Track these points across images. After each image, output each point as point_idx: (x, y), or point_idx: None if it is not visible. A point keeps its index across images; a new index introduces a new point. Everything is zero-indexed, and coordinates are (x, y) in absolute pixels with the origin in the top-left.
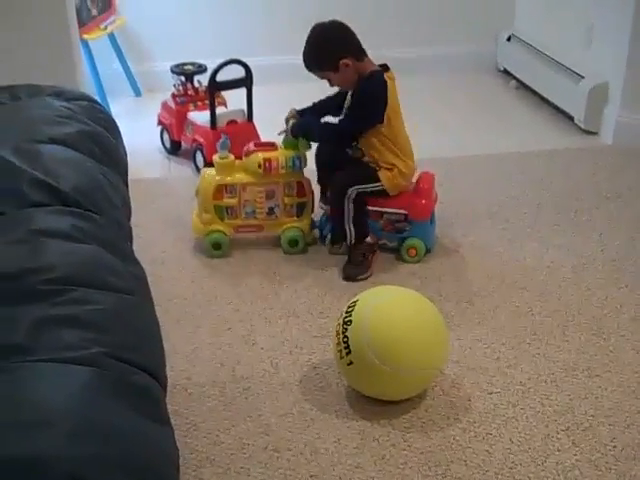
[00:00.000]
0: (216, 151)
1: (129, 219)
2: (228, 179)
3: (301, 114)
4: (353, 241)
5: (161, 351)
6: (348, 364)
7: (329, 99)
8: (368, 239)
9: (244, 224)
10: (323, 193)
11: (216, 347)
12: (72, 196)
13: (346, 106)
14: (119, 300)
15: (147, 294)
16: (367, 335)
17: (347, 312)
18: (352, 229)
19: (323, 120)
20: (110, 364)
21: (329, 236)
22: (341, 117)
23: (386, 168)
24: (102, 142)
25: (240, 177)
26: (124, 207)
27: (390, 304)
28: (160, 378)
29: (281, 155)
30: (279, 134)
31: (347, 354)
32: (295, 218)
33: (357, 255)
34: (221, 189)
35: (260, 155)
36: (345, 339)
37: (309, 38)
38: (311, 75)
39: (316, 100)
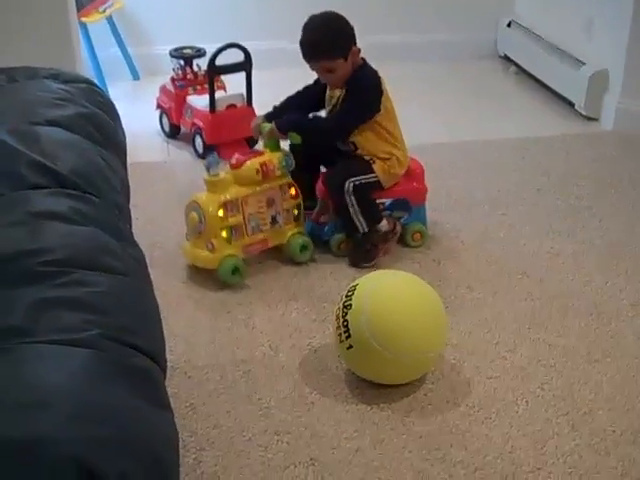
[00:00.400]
0: (206, 157)
1: (128, 202)
2: (229, 196)
3: (269, 118)
4: (366, 230)
5: (161, 334)
6: (348, 348)
7: (297, 98)
8: (384, 224)
9: (251, 242)
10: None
11: (215, 330)
12: (70, 178)
13: (339, 99)
14: (118, 282)
15: (146, 276)
16: (367, 319)
17: (347, 296)
18: (362, 220)
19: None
20: (109, 346)
21: (335, 236)
22: (330, 110)
23: (382, 159)
24: (100, 124)
25: (239, 191)
26: (123, 190)
27: (390, 288)
28: (160, 361)
29: (273, 157)
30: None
31: (347, 338)
32: (295, 223)
33: (366, 244)
34: (225, 209)
35: (255, 161)
36: (345, 323)
37: (319, 25)
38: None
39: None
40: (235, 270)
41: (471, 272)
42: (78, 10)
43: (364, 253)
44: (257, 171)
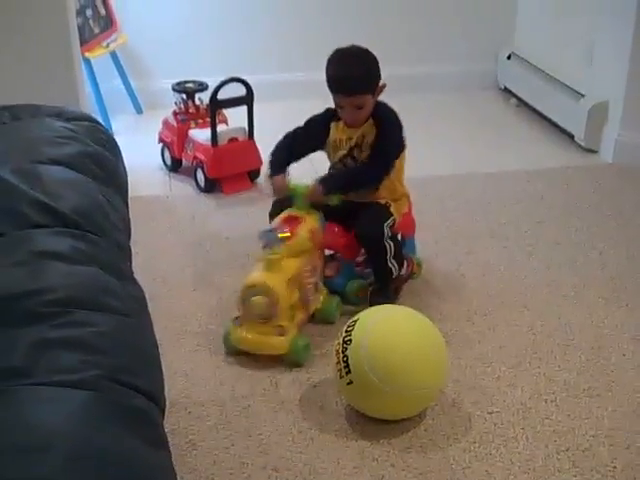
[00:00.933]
0: (267, 240)
1: (129, 239)
2: (290, 273)
3: (275, 172)
4: (399, 273)
5: (160, 373)
6: (348, 383)
7: (292, 145)
8: (404, 269)
9: (306, 315)
10: None
11: (215, 365)
12: (72, 217)
13: (363, 139)
14: (118, 322)
15: (146, 315)
16: (367, 354)
17: (347, 331)
18: (395, 264)
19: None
20: (109, 387)
21: (350, 286)
22: (349, 153)
23: (396, 200)
24: (103, 163)
25: (295, 264)
26: (124, 228)
27: (389, 323)
28: (159, 401)
29: (314, 220)
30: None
31: (347, 373)
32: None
33: (392, 285)
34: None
35: (304, 228)
36: (345, 358)
37: (355, 59)
38: (311, 92)
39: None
40: (307, 347)
41: (472, 306)
42: (81, 45)
43: (391, 296)
44: (309, 240)
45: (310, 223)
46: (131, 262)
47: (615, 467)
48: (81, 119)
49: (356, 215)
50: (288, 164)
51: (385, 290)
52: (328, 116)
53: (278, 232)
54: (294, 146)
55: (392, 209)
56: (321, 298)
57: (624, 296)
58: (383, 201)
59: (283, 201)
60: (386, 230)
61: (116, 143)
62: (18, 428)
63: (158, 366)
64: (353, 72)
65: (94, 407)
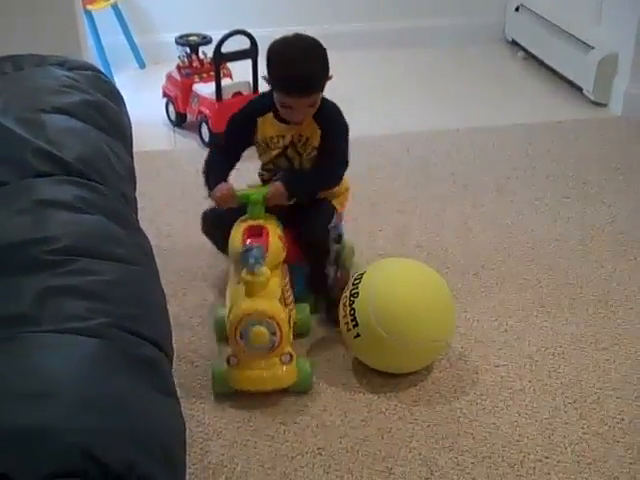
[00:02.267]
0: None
1: (134, 190)
2: (278, 291)
3: (211, 185)
4: (332, 277)
5: (167, 322)
6: (355, 337)
7: (225, 151)
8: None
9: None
10: None
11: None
12: (76, 166)
13: (307, 139)
14: (124, 270)
15: (152, 265)
16: (374, 307)
17: (354, 284)
18: (331, 270)
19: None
20: (116, 335)
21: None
22: (282, 152)
23: (339, 194)
24: (106, 112)
25: (279, 280)
26: (129, 178)
27: (397, 276)
28: (166, 349)
29: (276, 226)
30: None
31: (354, 327)
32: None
33: (339, 294)
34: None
35: (274, 237)
36: (352, 312)
37: (310, 54)
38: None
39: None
40: (312, 370)
41: (479, 259)
42: None
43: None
44: (283, 249)
45: (275, 230)
46: (137, 212)
47: (622, 419)
48: (84, 69)
49: (298, 216)
50: (227, 172)
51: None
52: (253, 111)
53: (261, 248)
54: (225, 153)
55: (336, 203)
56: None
57: (632, 250)
58: (325, 197)
59: (215, 215)
60: (331, 231)
61: (119, 93)
62: (25, 374)
63: (165, 315)
64: (308, 69)
65: (101, 354)
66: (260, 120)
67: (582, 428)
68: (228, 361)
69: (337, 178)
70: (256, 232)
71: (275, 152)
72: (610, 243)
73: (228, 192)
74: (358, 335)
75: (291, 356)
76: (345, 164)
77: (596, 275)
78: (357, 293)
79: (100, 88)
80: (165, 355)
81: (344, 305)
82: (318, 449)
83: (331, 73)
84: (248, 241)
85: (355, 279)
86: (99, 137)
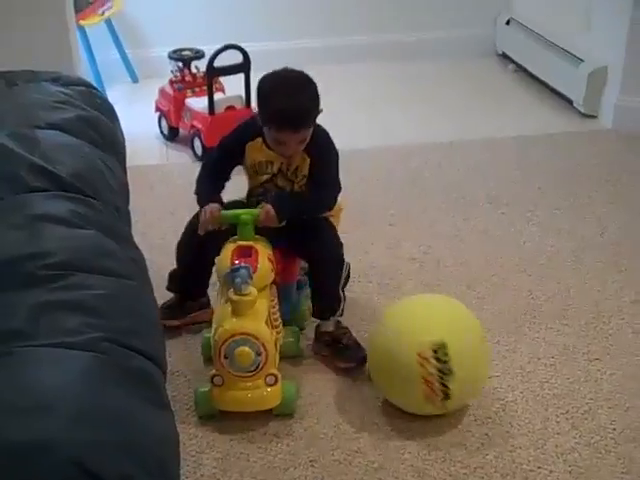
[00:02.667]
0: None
1: (127, 204)
2: (265, 311)
3: (205, 201)
4: (343, 304)
5: (161, 336)
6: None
7: (217, 176)
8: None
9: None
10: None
11: None
12: (70, 181)
13: (300, 172)
14: (118, 285)
15: (146, 279)
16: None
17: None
18: (343, 295)
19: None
20: (110, 349)
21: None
22: (272, 179)
23: (332, 215)
24: (100, 127)
25: (266, 301)
26: (122, 192)
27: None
28: (160, 363)
29: (265, 247)
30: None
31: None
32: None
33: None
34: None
35: (264, 258)
36: (445, 389)
37: (302, 88)
38: (308, 59)
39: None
40: (297, 392)
41: (471, 271)
42: (76, 13)
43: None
44: (272, 270)
45: (264, 251)
46: (130, 226)
47: (614, 429)
48: (77, 84)
49: (292, 235)
50: (218, 192)
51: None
52: (242, 136)
53: (248, 268)
54: (215, 174)
55: (335, 222)
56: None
57: (623, 261)
58: (322, 219)
59: (192, 242)
60: (343, 255)
61: (113, 108)
62: (20, 389)
63: (159, 329)
64: (300, 105)
65: (96, 368)
66: (249, 145)
67: (574, 438)
68: (212, 380)
69: (329, 204)
70: (245, 252)
71: (264, 178)
72: (601, 254)
73: (217, 213)
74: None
75: (276, 378)
76: (337, 190)
77: (588, 286)
78: (450, 371)
79: (93, 103)
80: (159, 368)
81: (428, 382)
82: (311, 461)
83: (321, 106)
84: (237, 261)
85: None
86: (93, 152)
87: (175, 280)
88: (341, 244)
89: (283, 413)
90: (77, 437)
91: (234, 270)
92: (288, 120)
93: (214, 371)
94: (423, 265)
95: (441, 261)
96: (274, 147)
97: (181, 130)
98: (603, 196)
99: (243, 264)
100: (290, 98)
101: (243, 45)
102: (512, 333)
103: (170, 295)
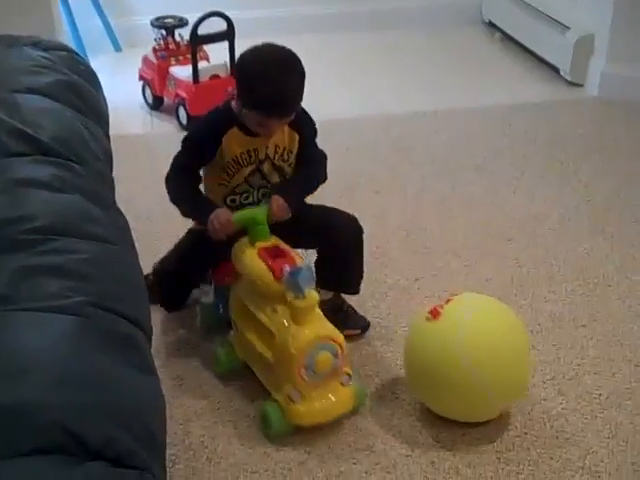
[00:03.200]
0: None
1: (111, 170)
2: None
3: (207, 210)
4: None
5: (145, 301)
6: None
7: (193, 176)
8: None
9: None
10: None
11: None
12: (52, 146)
13: (288, 151)
14: (102, 249)
15: (130, 244)
16: None
17: None
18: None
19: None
20: (94, 313)
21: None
22: (260, 164)
23: None
24: (82, 92)
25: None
26: (105, 158)
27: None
28: (145, 327)
29: (286, 246)
30: None
31: None
32: None
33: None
34: None
35: (299, 257)
36: None
37: (291, 69)
38: (293, 28)
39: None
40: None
41: (458, 239)
42: None
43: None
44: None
45: (291, 250)
46: (114, 192)
47: (600, 394)
48: (59, 49)
49: (304, 225)
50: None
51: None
52: (216, 128)
53: (309, 269)
54: (192, 176)
55: None
56: None
57: (608, 228)
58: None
59: (195, 251)
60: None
61: (94, 74)
62: (3, 353)
63: (144, 294)
64: (290, 91)
65: (79, 332)
66: (226, 137)
67: (561, 404)
68: (290, 398)
69: (325, 175)
70: (276, 253)
71: (249, 169)
72: (587, 221)
73: (228, 216)
74: None
75: (349, 376)
76: (326, 158)
77: (574, 253)
78: None
79: (75, 69)
80: (143, 333)
81: None
82: (299, 428)
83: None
84: (286, 265)
85: None
86: (75, 117)
87: (160, 292)
88: (355, 217)
89: (357, 408)
90: (60, 400)
91: (294, 273)
92: (277, 107)
93: (289, 388)
94: (409, 234)
95: (427, 229)
96: (254, 128)
97: (165, 99)
98: (589, 164)
99: (302, 265)
100: (279, 84)
101: (227, 13)
102: (499, 300)
103: None
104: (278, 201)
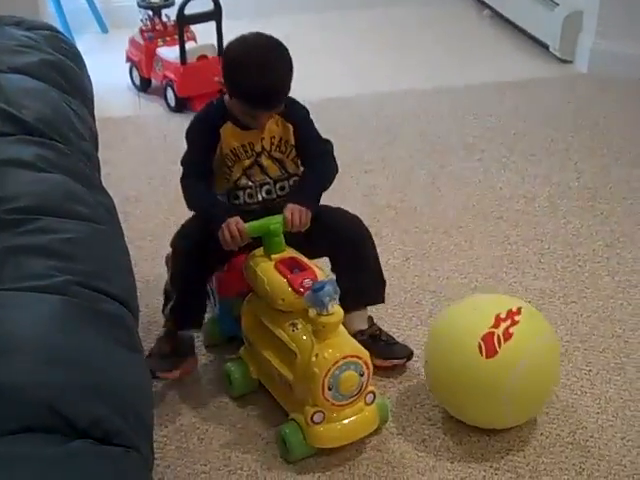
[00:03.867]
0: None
1: (96, 150)
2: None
3: (221, 218)
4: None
5: (131, 280)
6: None
7: (207, 178)
8: None
9: None
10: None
11: None
12: (36, 126)
13: (285, 141)
14: (87, 229)
15: (116, 224)
16: None
17: None
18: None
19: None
20: (80, 292)
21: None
22: (259, 156)
23: None
24: (66, 72)
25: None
26: (91, 138)
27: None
28: (131, 306)
29: (304, 257)
30: None
31: None
32: None
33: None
34: None
35: (319, 269)
36: None
37: (279, 58)
38: (281, 8)
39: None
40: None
41: (448, 218)
42: None
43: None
44: None
45: (310, 262)
46: (100, 173)
47: (590, 370)
48: (42, 28)
49: (312, 233)
50: (225, 208)
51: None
52: (214, 121)
53: (333, 284)
54: (205, 175)
55: None
56: None
57: (599, 205)
58: None
59: (197, 264)
60: None
61: (79, 53)
62: None
63: (130, 272)
64: (280, 81)
65: (65, 311)
66: (223, 130)
67: None
68: (312, 419)
69: (337, 166)
70: (294, 265)
71: (247, 162)
72: (577, 199)
73: (241, 226)
74: None
75: (374, 394)
76: (332, 145)
77: (564, 231)
78: None
79: (59, 48)
80: (129, 311)
81: None
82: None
83: None
84: (307, 279)
85: None
86: (59, 97)
87: (174, 312)
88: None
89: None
90: (47, 379)
91: (319, 289)
92: (263, 98)
93: (311, 410)
94: (399, 212)
95: (417, 208)
96: (243, 119)
97: (153, 80)
98: (579, 141)
99: (325, 280)
100: (264, 75)
101: None
102: (489, 279)
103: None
104: (294, 209)
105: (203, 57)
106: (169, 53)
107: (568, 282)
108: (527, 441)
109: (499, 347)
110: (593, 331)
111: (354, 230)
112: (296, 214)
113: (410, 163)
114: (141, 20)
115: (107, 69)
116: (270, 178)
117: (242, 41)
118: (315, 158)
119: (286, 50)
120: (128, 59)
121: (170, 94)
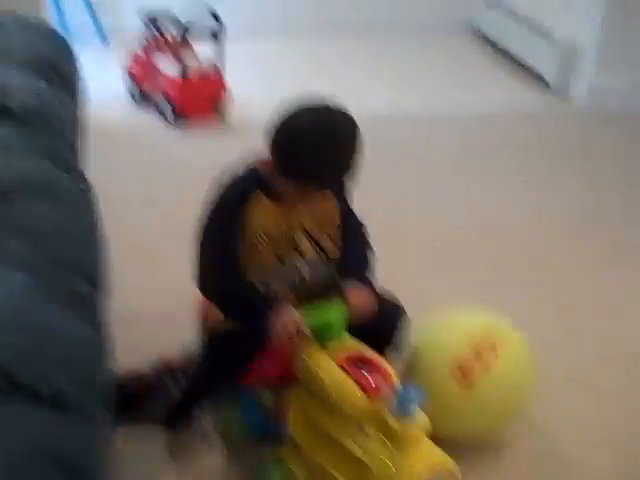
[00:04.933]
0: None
1: (80, 138)
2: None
3: (268, 307)
4: None
5: (103, 262)
6: None
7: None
8: None
9: None
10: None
11: (165, 280)
12: (19, 112)
13: (330, 219)
14: (62, 212)
15: (93, 209)
16: None
17: None
18: None
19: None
20: (48, 271)
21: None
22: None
23: None
24: (56, 66)
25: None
26: (77, 129)
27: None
28: (100, 286)
29: (368, 350)
30: None
31: None
32: None
33: None
34: None
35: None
36: None
37: (349, 132)
38: (285, 31)
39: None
40: None
41: (437, 240)
42: None
43: None
44: None
45: (376, 354)
46: (80, 159)
47: (564, 383)
48: (36, 23)
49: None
50: (265, 296)
51: None
52: (239, 200)
53: (419, 389)
54: (237, 261)
55: None
56: None
57: (589, 231)
58: None
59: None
60: None
61: (67, 43)
62: None
63: (101, 255)
64: (349, 153)
65: (32, 288)
66: (250, 207)
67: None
68: None
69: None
70: (361, 362)
71: (280, 244)
72: (568, 225)
73: (296, 317)
74: None
75: None
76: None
77: (553, 255)
78: None
79: (50, 42)
80: (98, 290)
81: None
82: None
83: None
84: (384, 382)
85: None
86: (45, 88)
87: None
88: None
89: None
90: (11, 352)
91: (403, 392)
92: (330, 178)
93: None
94: (387, 235)
95: (407, 229)
96: (286, 194)
97: (152, 94)
98: (573, 172)
99: (409, 384)
100: (337, 147)
101: (218, 10)
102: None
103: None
104: (358, 293)
105: (203, 74)
106: (169, 68)
107: (555, 302)
108: (500, 451)
109: (476, 377)
110: (572, 348)
111: (395, 325)
112: (365, 299)
113: (399, 187)
114: (143, 34)
115: (107, 81)
116: (306, 260)
117: (312, 114)
118: (356, 232)
119: (353, 122)
120: (128, 72)
121: (168, 109)
